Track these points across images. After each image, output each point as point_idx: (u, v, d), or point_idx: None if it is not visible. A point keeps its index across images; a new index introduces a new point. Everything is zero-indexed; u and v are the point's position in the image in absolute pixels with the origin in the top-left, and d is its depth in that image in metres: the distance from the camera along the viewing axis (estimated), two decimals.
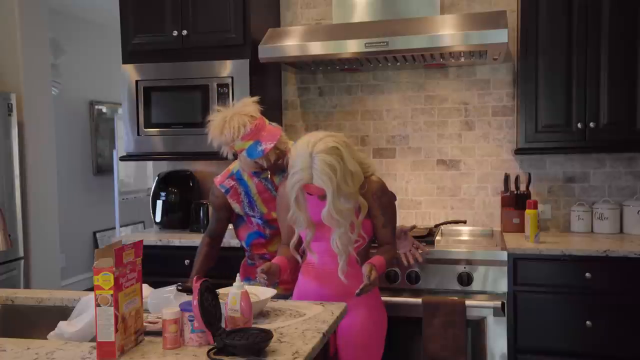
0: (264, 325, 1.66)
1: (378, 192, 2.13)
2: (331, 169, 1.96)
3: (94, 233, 6.63)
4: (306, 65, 3.44)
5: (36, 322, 2.01)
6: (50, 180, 4.40)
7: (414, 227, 2.69)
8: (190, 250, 3.21)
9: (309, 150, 1.99)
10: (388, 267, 2.16)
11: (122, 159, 3.63)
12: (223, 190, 2.44)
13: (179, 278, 2.01)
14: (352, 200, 2.03)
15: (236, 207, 2.45)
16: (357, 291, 1.96)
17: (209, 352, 1.45)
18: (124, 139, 3.51)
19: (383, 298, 2.34)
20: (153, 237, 3.36)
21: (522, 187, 3.32)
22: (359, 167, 2.06)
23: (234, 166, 2.49)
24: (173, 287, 1.80)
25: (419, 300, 2.75)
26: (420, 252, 2.63)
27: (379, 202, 2.13)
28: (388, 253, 2.15)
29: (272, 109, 3.61)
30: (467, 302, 2.72)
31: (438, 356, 2.71)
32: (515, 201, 3.25)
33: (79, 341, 1.62)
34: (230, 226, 2.61)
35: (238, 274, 1.66)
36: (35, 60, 4.24)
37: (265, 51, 3.14)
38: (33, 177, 4.19)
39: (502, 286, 2.80)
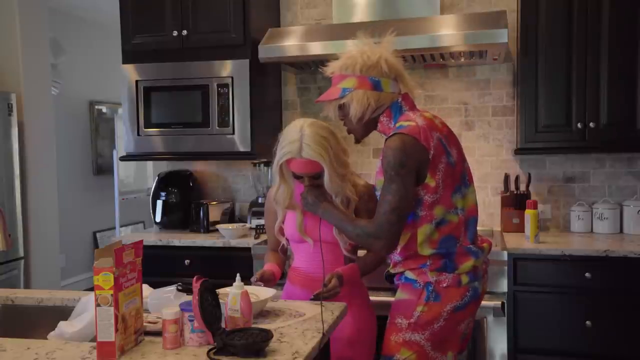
0: (264, 325, 1.65)
1: (365, 195, 2.10)
2: (324, 139, 1.95)
3: (94, 233, 6.63)
4: (306, 65, 3.44)
5: (36, 322, 2.01)
6: (50, 180, 4.40)
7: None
8: (190, 250, 3.22)
9: (299, 125, 1.98)
10: (368, 273, 2.12)
11: (122, 159, 3.63)
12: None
13: (179, 278, 2.01)
14: (347, 183, 2.02)
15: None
16: (311, 296, 1.94)
17: (209, 352, 1.44)
18: (124, 139, 3.51)
19: (383, 298, 2.33)
20: (153, 237, 3.35)
21: (522, 187, 3.32)
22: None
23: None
24: (173, 287, 1.80)
25: None
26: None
27: (366, 206, 2.09)
28: (366, 260, 2.09)
29: (272, 109, 3.62)
30: None
31: None
32: (515, 201, 3.25)
33: (79, 341, 1.62)
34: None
35: (238, 274, 1.66)
36: (35, 60, 4.24)
37: (265, 51, 3.14)
38: (33, 177, 4.19)
39: (502, 286, 2.80)
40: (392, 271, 2.02)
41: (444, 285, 1.90)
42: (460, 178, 1.95)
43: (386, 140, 1.90)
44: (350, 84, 1.95)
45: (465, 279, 1.90)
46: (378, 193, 1.95)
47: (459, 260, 1.91)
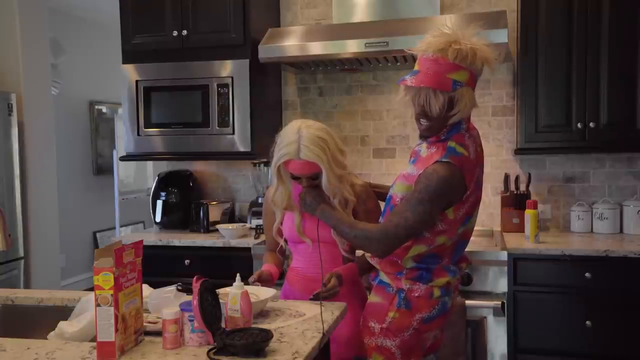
0: (264, 325, 1.65)
1: (363, 195, 2.09)
2: (322, 141, 1.93)
3: (94, 233, 6.63)
4: (306, 65, 3.44)
5: (36, 322, 2.01)
6: (50, 180, 4.40)
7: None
8: (190, 250, 3.22)
9: (296, 126, 1.97)
10: (366, 273, 2.12)
11: (122, 159, 3.63)
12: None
13: (179, 278, 2.01)
14: (345, 184, 2.01)
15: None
16: (310, 296, 1.94)
17: (209, 352, 1.44)
18: (124, 139, 3.51)
19: None
20: (153, 237, 3.35)
21: (522, 187, 3.32)
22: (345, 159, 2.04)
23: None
24: (173, 287, 1.80)
25: None
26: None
27: (365, 206, 2.09)
28: (364, 259, 2.08)
29: (272, 109, 3.62)
30: (467, 302, 2.72)
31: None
32: (515, 201, 3.25)
33: (79, 341, 1.62)
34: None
35: (238, 274, 1.66)
36: (35, 60, 4.24)
37: (265, 51, 3.14)
38: (33, 177, 4.19)
39: (502, 286, 2.80)
40: (369, 260, 2.01)
41: (416, 294, 1.90)
42: (472, 209, 1.91)
43: (437, 161, 1.79)
44: (463, 78, 1.78)
45: (437, 292, 1.91)
46: (394, 195, 1.92)
47: (435, 275, 1.91)
